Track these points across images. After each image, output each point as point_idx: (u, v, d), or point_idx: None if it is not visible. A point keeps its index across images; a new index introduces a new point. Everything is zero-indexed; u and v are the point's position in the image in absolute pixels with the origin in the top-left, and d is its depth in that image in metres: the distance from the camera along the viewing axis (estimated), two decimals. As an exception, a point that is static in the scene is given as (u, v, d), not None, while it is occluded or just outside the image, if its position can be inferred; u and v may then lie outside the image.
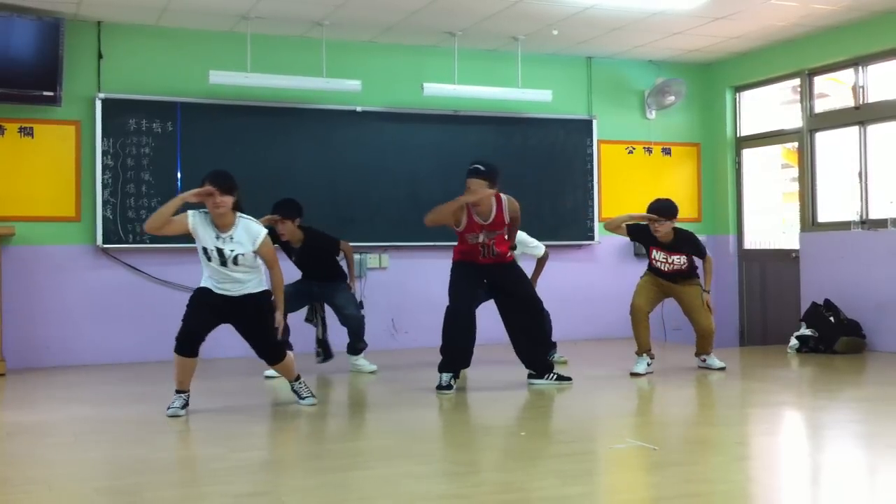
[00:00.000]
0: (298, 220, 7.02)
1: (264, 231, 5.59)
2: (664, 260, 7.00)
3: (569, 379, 6.45)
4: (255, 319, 5.61)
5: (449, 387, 6.21)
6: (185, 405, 5.51)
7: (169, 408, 5.48)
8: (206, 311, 5.52)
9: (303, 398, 5.78)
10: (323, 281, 7.21)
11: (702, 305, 7.03)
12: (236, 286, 5.53)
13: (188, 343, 5.46)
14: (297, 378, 5.84)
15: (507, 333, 6.51)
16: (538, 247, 7.42)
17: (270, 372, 6.75)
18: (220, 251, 5.44)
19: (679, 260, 7.00)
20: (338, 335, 7.38)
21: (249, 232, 5.50)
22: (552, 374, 6.44)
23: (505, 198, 6.36)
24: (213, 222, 5.46)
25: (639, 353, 6.99)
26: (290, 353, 5.81)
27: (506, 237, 6.44)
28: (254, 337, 5.68)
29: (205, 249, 5.47)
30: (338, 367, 7.41)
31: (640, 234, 7.11)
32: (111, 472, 4.30)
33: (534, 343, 6.47)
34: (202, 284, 5.57)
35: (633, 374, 6.87)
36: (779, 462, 4.46)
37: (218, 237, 5.44)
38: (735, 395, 6.41)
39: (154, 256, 8.20)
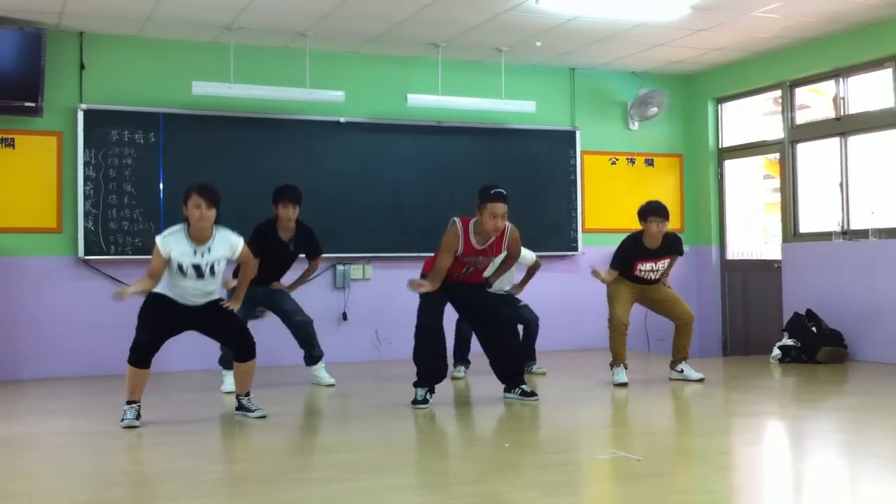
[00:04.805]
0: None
1: (242, 240, 5.58)
2: (651, 269, 6.95)
3: (533, 395, 6.22)
4: (221, 317, 5.57)
5: (425, 401, 6.12)
6: (139, 415, 5.47)
7: (123, 419, 5.44)
8: (165, 322, 5.48)
9: (252, 411, 5.66)
10: (269, 284, 6.85)
11: (676, 294, 7.13)
12: (204, 298, 5.51)
13: (146, 354, 5.44)
14: (248, 393, 5.74)
15: (480, 345, 6.42)
16: (529, 255, 7.40)
17: (228, 387, 6.56)
18: (196, 267, 5.38)
19: (664, 264, 6.99)
20: (300, 348, 7.15)
21: (229, 243, 5.51)
22: (518, 389, 6.28)
23: (509, 226, 6.07)
24: (190, 236, 5.39)
25: (616, 364, 6.96)
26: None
27: (489, 269, 6.39)
28: (226, 332, 5.64)
29: (180, 266, 5.36)
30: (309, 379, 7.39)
31: (627, 259, 6.91)
32: (93, 484, 4.27)
33: (501, 357, 6.30)
34: (161, 292, 5.44)
35: (620, 385, 6.84)
36: (762, 472, 4.46)
37: (195, 252, 5.38)
38: (718, 404, 6.43)
39: (136, 268, 8.11)
